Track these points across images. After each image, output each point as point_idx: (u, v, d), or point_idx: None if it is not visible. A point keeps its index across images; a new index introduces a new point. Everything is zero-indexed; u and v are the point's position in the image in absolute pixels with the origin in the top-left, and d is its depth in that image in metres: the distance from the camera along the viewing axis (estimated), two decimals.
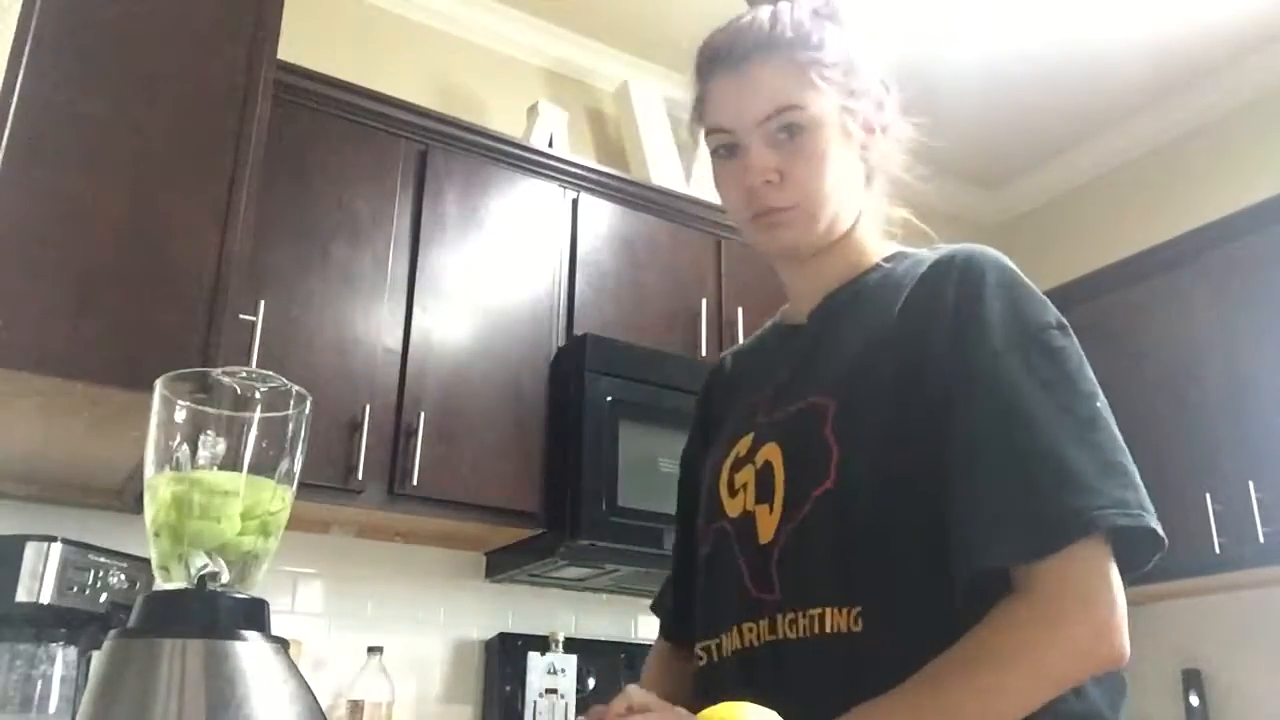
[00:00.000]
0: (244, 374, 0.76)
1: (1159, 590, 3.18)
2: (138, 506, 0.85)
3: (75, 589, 1.75)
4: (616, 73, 3.46)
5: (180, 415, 0.73)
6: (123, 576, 1.80)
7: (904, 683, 0.79)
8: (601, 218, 2.86)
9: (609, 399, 2.54)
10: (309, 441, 0.77)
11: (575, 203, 2.83)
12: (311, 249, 2.39)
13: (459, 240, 2.60)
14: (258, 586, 0.74)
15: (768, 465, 0.95)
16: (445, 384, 2.47)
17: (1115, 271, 3.34)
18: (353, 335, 2.39)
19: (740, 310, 2.91)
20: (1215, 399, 2.97)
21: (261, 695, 0.65)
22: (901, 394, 0.89)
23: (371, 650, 2.45)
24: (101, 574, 1.78)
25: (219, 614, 0.69)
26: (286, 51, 2.18)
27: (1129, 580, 0.85)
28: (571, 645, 2.65)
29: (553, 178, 2.82)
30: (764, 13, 1.01)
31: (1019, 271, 0.94)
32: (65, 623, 1.77)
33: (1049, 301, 0.92)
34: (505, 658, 2.65)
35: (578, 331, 2.66)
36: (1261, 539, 2.76)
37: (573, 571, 2.67)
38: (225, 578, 0.71)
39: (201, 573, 0.70)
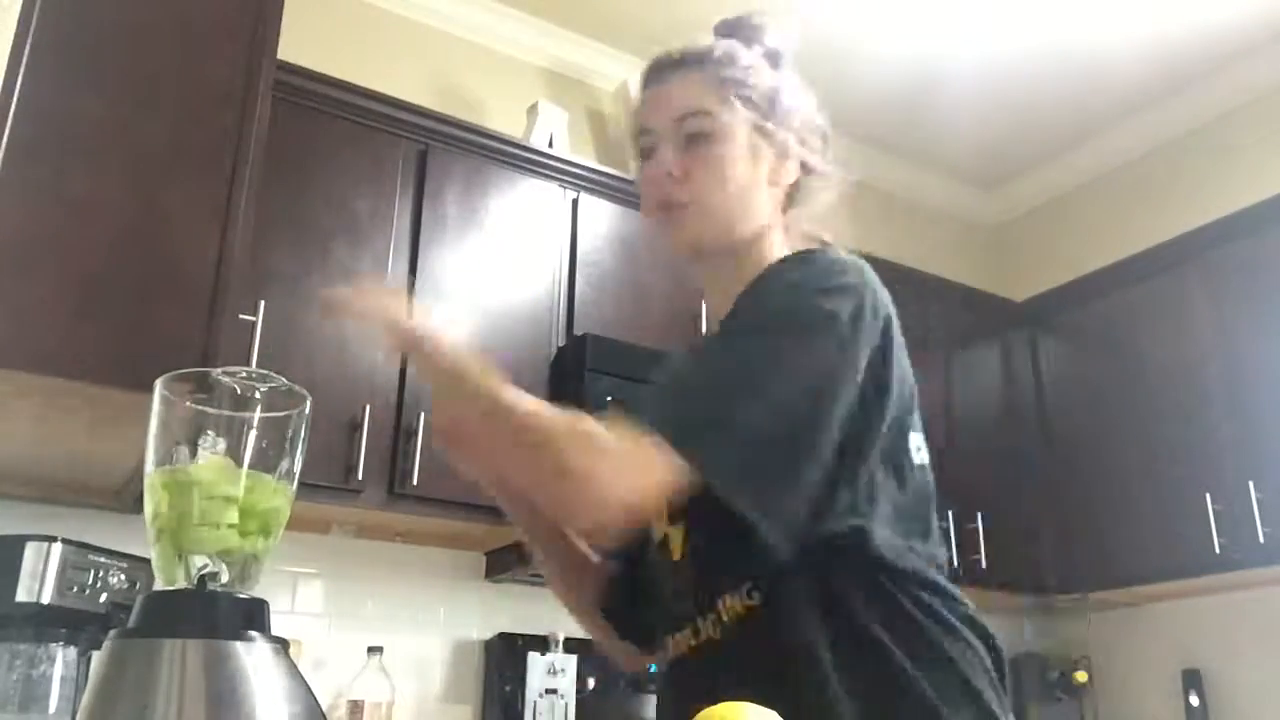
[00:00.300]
0: (244, 374, 0.76)
1: (1159, 590, 3.18)
2: (138, 506, 0.85)
3: (75, 589, 1.75)
4: (616, 73, 3.46)
5: (180, 415, 0.73)
6: (123, 576, 1.80)
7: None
8: (601, 218, 2.86)
9: (609, 399, 2.53)
10: (309, 441, 0.77)
11: (575, 203, 2.83)
12: (311, 249, 2.39)
13: (459, 240, 2.60)
14: (258, 586, 0.74)
15: None
16: None
17: (1115, 271, 3.34)
18: (353, 335, 2.39)
19: None
20: (1215, 399, 2.97)
21: (261, 695, 0.65)
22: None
23: (371, 650, 2.45)
24: (101, 574, 1.78)
25: (219, 614, 0.69)
26: (286, 51, 2.18)
27: None
28: (571, 645, 2.65)
29: (553, 178, 2.82)
30: (707, 40, 1.13)
31: (818, 253, 1.04)
32: (65, 623, 1.77)
33: (829, 280, 0.97)
34: (505, 658, 2.65)
35: (578, 331, 2.66)
36: (1261, 539, 2.77)
37: None
38: (225, 578, 0.71)
39: (201, 573, 0.70)
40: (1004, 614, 3.44)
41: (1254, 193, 3.09)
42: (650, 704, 2.74)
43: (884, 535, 0.93)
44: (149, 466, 0.73)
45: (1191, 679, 3.16)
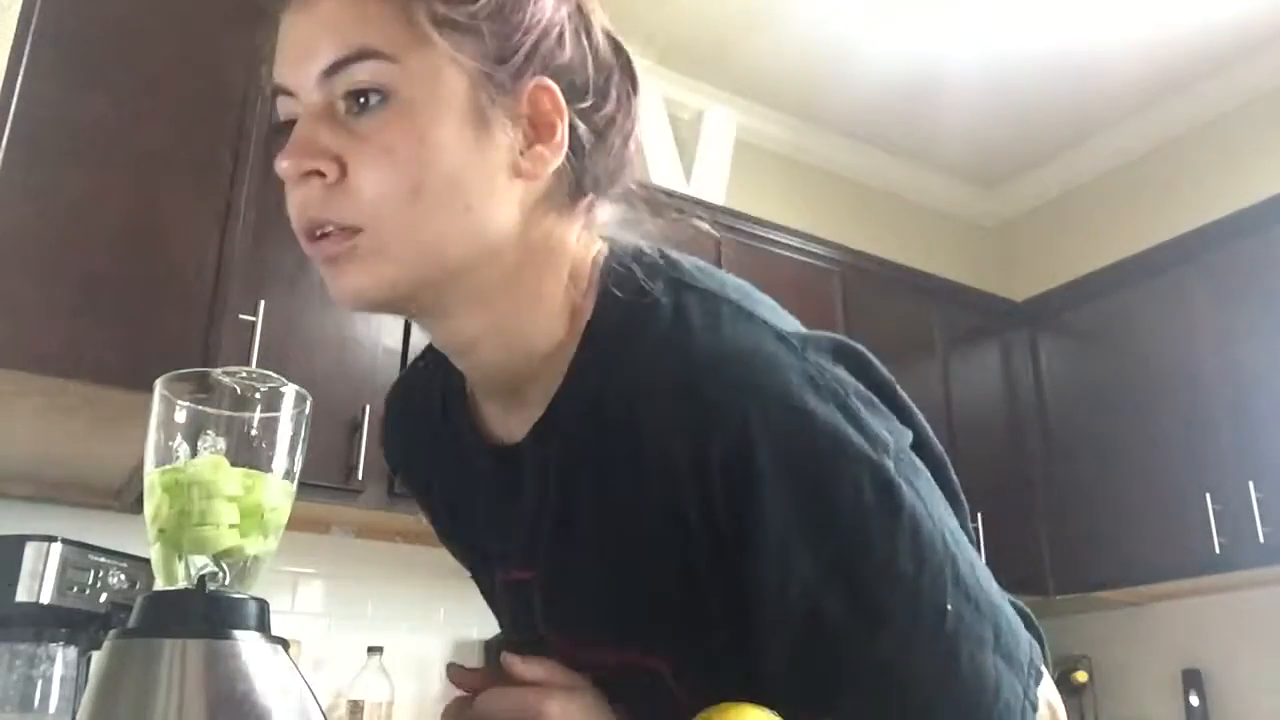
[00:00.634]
0: (244, 374, 0.75)
1: (1159, 590, 3.18)
2: (138, 506, 0.85)
3: (75, 589, 1.75)
4: None
5: (180, 415, 0.73)
6: (123, 576, 1.80)
7: None
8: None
9: None
10: (309, 441, 0.77)
11: None
12: None
13: None
14: (258, 586, 0.74)
15: None
16: None
17: (1115, 271, 3.34)
18: (353, 335, 2.39)
19: None
20: (1215, 399, 2.97)
21: (261, 695, 0.65)
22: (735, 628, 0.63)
23: (371, 650, 2.46)
24: (101, 574, 1.78)
25: (219, 614, 0.69)
26: None
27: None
28: None
29: None
30: None
31: (805, 399, 0.60)
32: (65, 623, 1.77)
33: (855, 442, 0.60)
34: None
35: None
36: (1261, 539, 2.77)
37: None
38: (225, 578, 0.71)
39: (201, 573, 0.70)
40: None
41: (1254, 193, 3.09)
42: None
43: None
44: (149, 466, 0.73)
45: (1191, 679, 3.16)
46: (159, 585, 0.72)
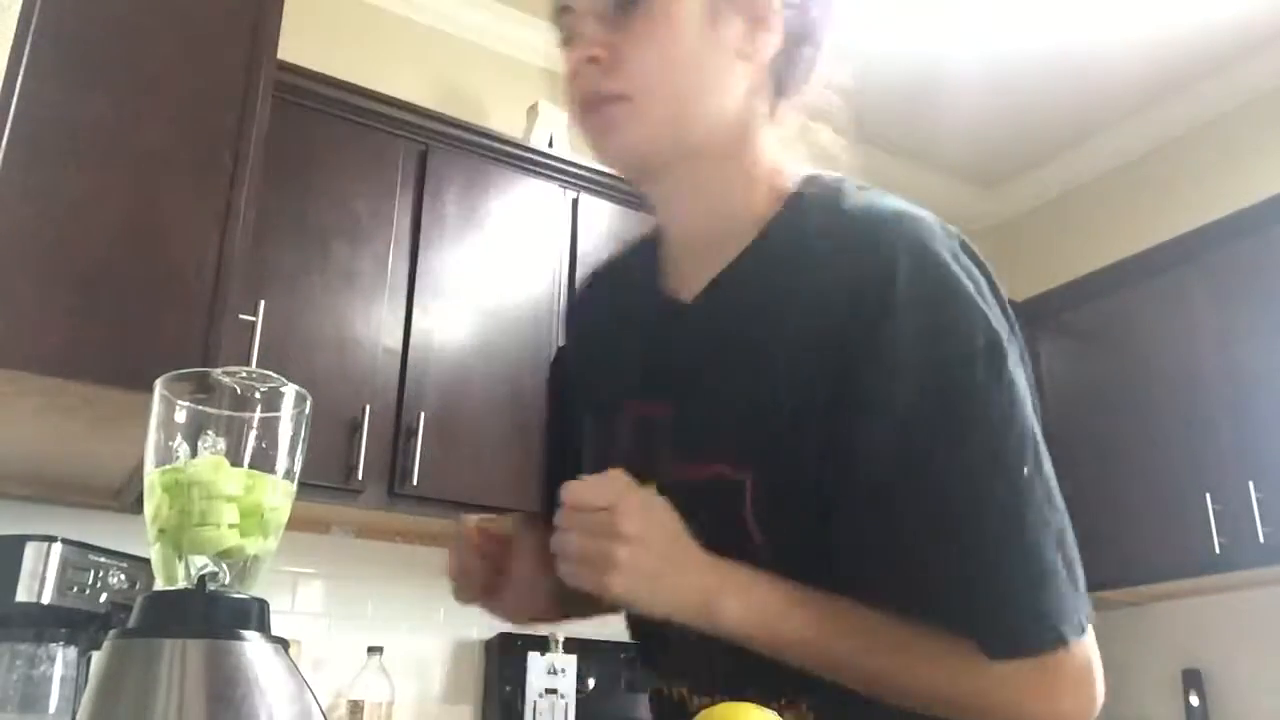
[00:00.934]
0: (244, 374, 0.75)
1: (1159, 590, 3.18)
2: (138, 506, 0.85)
3: (75, 589, 1.75)
4: None
5: (180, 415, 0.73)
6: (123, 576, 1.80)
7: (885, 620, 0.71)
8: (601, 218, 2.86)
9: None
10: (309, 441, 0.77)
11: (575, 203, 2.83)
12: (311, 249, 2.39)
13: (459, 240, 2.60)
14: (258, 586, 0.74)
15: None
16: (445, 384, 2.47)
17: (1115, 271, 3.34)
18: (353, 335, 2.39)
19: None
20: (1215, 399, 2.97)
21: (261, 695, 0.65)
22: (824, 464, 0.74)
23: (371, 650, 2.46)
24: (101, 574, 1.78)
25: (219, 614, 0.69)
26: (286, 51, 2.18)
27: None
28: (571, 645, 2.65)
29: (553, 178, 2.82)
30: None
31: (947, 259, 0.75)
32: (65, 623, 1.77)
33: (980, 307, 0.73)
34: (505, 658, 2.65)
35: None
36: (1261, 539, 2.77)
37: None
38: (225, 578, 0.71)
39: (201, 573, 0.70)
40: None
41: (1254, 193, 3.09)
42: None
43: None
44: (149, 466, 0.73)
45: (1191, 679, 3.16)
46: (159, 585, 0.72)
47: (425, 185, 2.60)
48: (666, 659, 0.88)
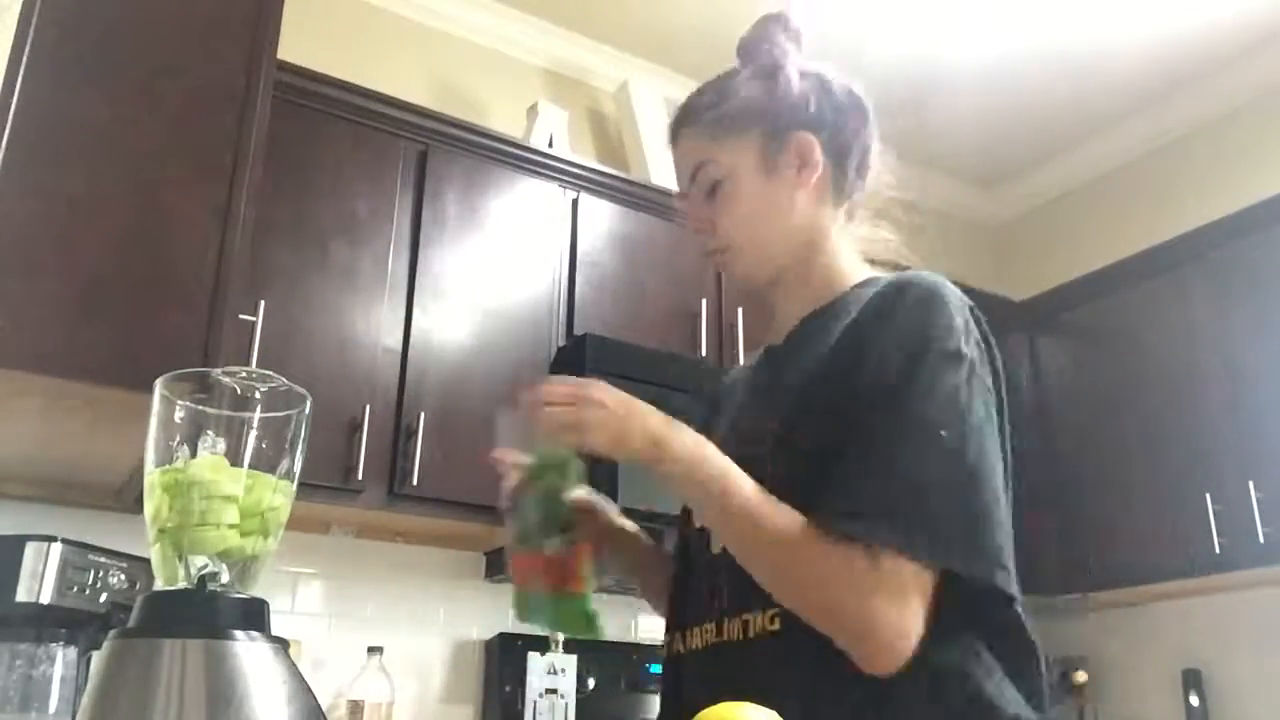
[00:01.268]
0: (244, 374, 0.76)
1: (1159, 590, 3.18)
2: (138, 506, 0.85)
3: (75, 589, 1.75)
4: (616, 73, 3.46)
5: (180, 415, 0.73)
6: (123, 576, 1.80)
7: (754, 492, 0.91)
8: (601, 218, 2.86)
9: None
10: (309, 441, 0.77)
11: (575, 203, 2.83)
12: (311, 249, 2.39)
13: (459, 240, 2.60)
14: (258, 586, 0.74)
15: None
16: (445, 384, 2.47)
17: (1115, 271, 3.34)
18: (353, 335, 2.39)
19: (740, 311, 2.91)
20: (1215, 399, 2.97)
21: (261, 695, 0.65)
22: (829, 422, 0.94)
23: (371, 650, 2.45)
24: (101, 574, 1.78)
25: (219, 614, 0.69)
26: (286, 51, 2.18)
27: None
28: (571, 645, 2.65)
29: (553, 178, 2.82)
30: (710, 83, 1.14)
31: (948, 297, 0.98)
32: (65, 623, 1.77)
33: (959, 329, 0.95)
34: (505, 658, 2.65)
35: (578, 331, 2.66)
36: (1261, 539, 2.77)
37: None
38: (225, 578, 0.71)
39: (202, 573, 0.70)
40: None
41: (1254, 193, 3.09)
42: (650, 704, 2.74)
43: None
44: (149, 466, 0.73)
45: (1191, 679, 3.16)
46: (159, 585, 0.72)
47: (425, 185, 2.60)
48: (683, 609, 1.09)
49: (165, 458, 0.72)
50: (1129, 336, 3.24)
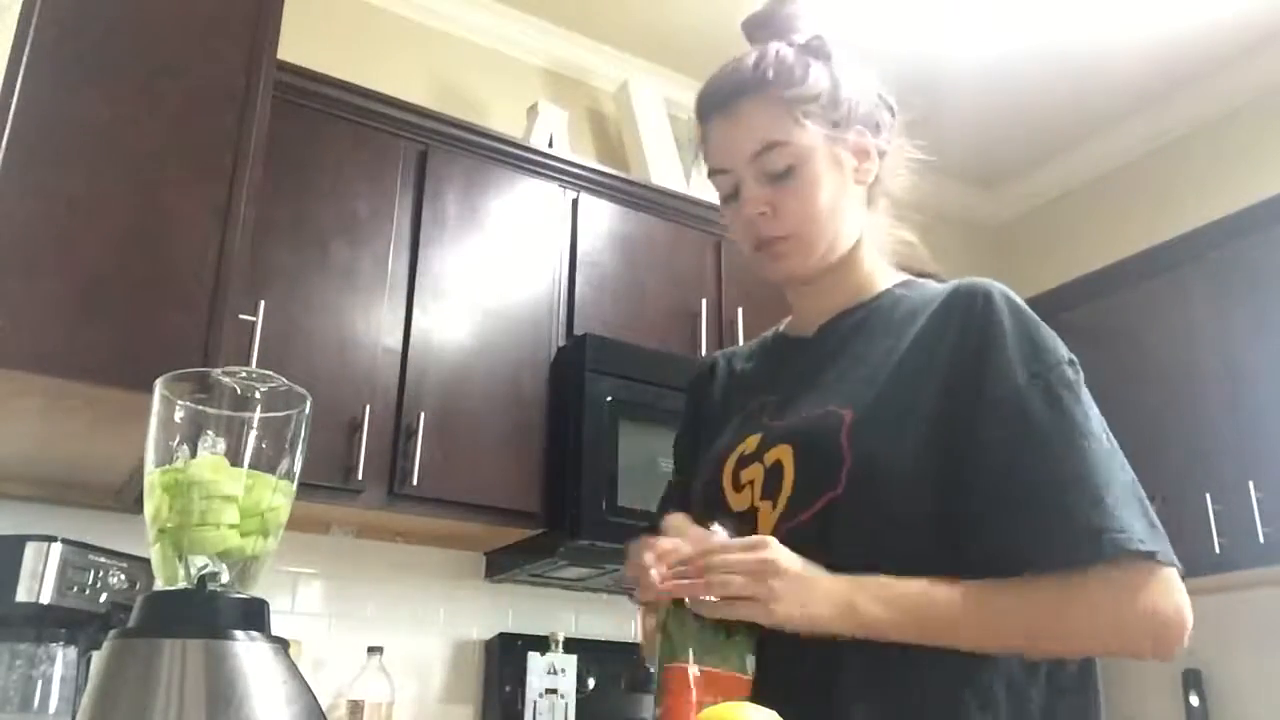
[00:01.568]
0: (244, 374, 0.76)
1: None
2: (138, 506, 0.85)
3: (75, 589, 1.75)
4: (616, 73, 3.46)
5: (180, 415, 0.73)
6: (123, 576, 1.80)
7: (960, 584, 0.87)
8: (601, 218, 2.86)
9: (609, 399, 2.54)
10: (309, 441, 0.77)
11: (575, 203, 2.83)
12: (311, 249, 2.39)
13: (459, 240, 2.60)
14: (258, 586, 0.74)
15: (777, 464, 0.99)
16: (445, 384, 2.47)
17: (1115, 272, 3.34)
18: (353, 335, 2.39)
19: (740, 310, 2.91)
20: (1215, 399, 2.97)
21: (261, 695, 0.65)
22: (915, 415, 0.93)
23: (371, 650, 2.45)
24: (101, 574, 1.78)
25: (219, 614, 0.69)
26: (286, 51, 2.18)
27: None
28: (571, 645, 2.65)
29: (553, 178, 2.82)
30: (751, 55, 1.06)
31: (1020, 302, 1.01)
32: (65, 623, 1.77)
33: (1059, 338, 1.00)
34: (505, 658, 2.65)
35: (578, 331, 2.66)
36: (1261, 539, 2.76)
37: (573, 571, 2.67)
38: (225, 578, 0.71)
39: (201, 573, 0.70)
40: None
41: (1254, 193, 3.09)
42: (650, 704, 2.74)
43: None
44: (149, 466, 0.73)
45: (1191, 679, 3.16)
46: (159, 585, 0.72)
47: (425, 185, 2.60)
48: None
49: (165, 458, 0.72)
50: (1129, 336, 3.24)
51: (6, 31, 1.77)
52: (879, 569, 0.89)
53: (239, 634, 0.67)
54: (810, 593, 0.86)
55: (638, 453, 2.53)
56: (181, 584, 0.70)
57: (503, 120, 3.06)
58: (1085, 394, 0.95)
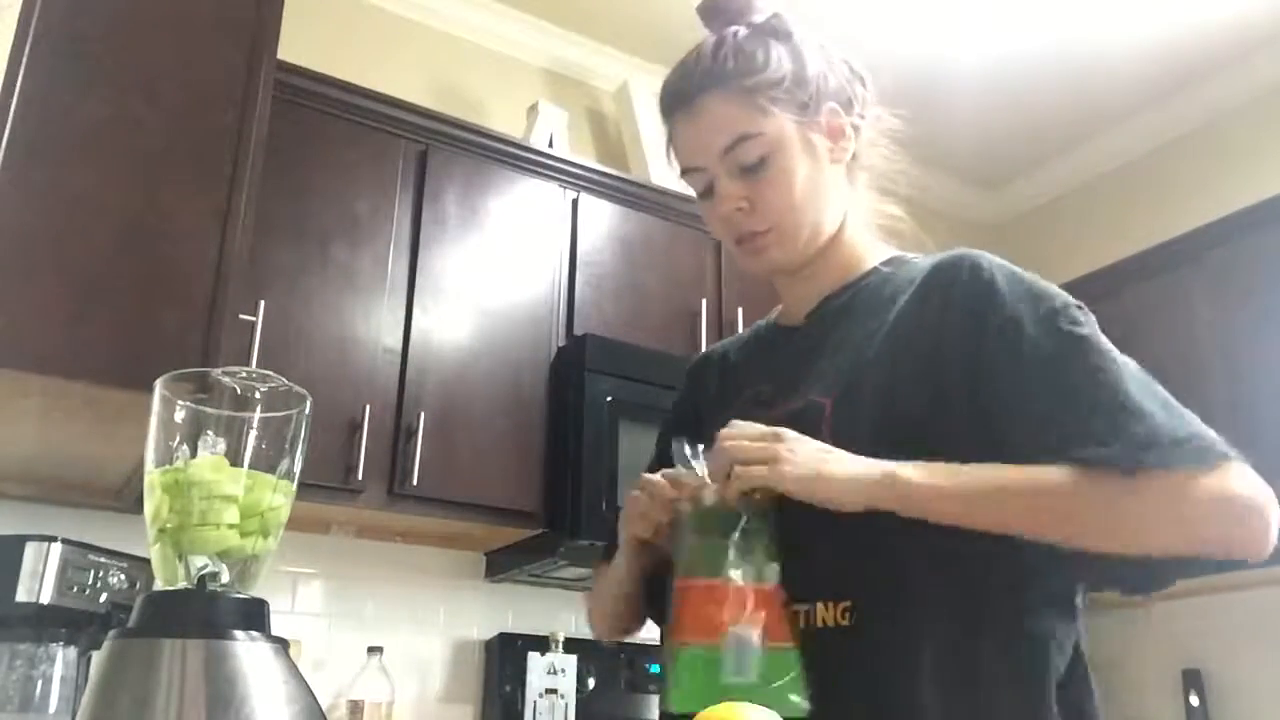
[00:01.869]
0: (244, 374, 0.76)
1: (1159, 590, 3.18)
2: (138, 506, 0.85)
3: (75, 589, 1.75)
4: (616, 73, 3.46)
5: (180, 415, 0.73)
6: (123, 576, 1.80)
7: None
8: (601, 218, 2.86)
9: (609, 399, 2.54)
10: (309, 441, 0.77)
11: (575, 203, 2.83)
12: (311, 249, 2.39)
13: (459, 240, 2.60)
14: (258, 586, 0.74)
15: None
16: (445, 384, 2.47)
17: (1115, 271, 3.34)
18: (353, 335, 2.39)
19: (740, 310, 2.91)
20: (1215, 399, 2.97)
21: (261, 695, 0.65)
22: (900, 392, 0.91)
23: (371, 650, 2.45)
24: (101, 574, 1.78)
25: (219, 614, 0.69)
26: (286, 51, 2.18)
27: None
28: (571, 645, 2.65)
29: (553, 178, 2.82)
30: (707, 45, 1.03)
31: (1016, 266, 0.97)
32: (65, 623, 1.77)
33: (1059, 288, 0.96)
34: (505, 658, 2.65)
35: (578, 331, 2.66)
36: None
37: (573, 571, 2.67)
38: (225, 578, 0.71)
39: (201, 573, 0.70)
40: None
41: (1254, 193, 3.09)
42: (650, 704, 2.74)
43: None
44: (149, 466, 0.73)
45: (1191, 679, 3.16)
46: (159, 585, 0.72)
47: (425, 185, 2.60)
48: None
49: (165, 458, 0.72)
50: (1129, 337, 3.19)
51: (6, 31, 1.77)
52: (875, 549, 0.87)
53: (239, 634, 0.67)
54: (826, 458, 0.85)
55: (638, 453, 2.52)
56: (181, 584, 0.70)
57: (503, 120, 3.06)
58: (1098, 335, 0.92)
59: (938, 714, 0.83)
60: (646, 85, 3.42)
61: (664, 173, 3.20)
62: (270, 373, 0.76)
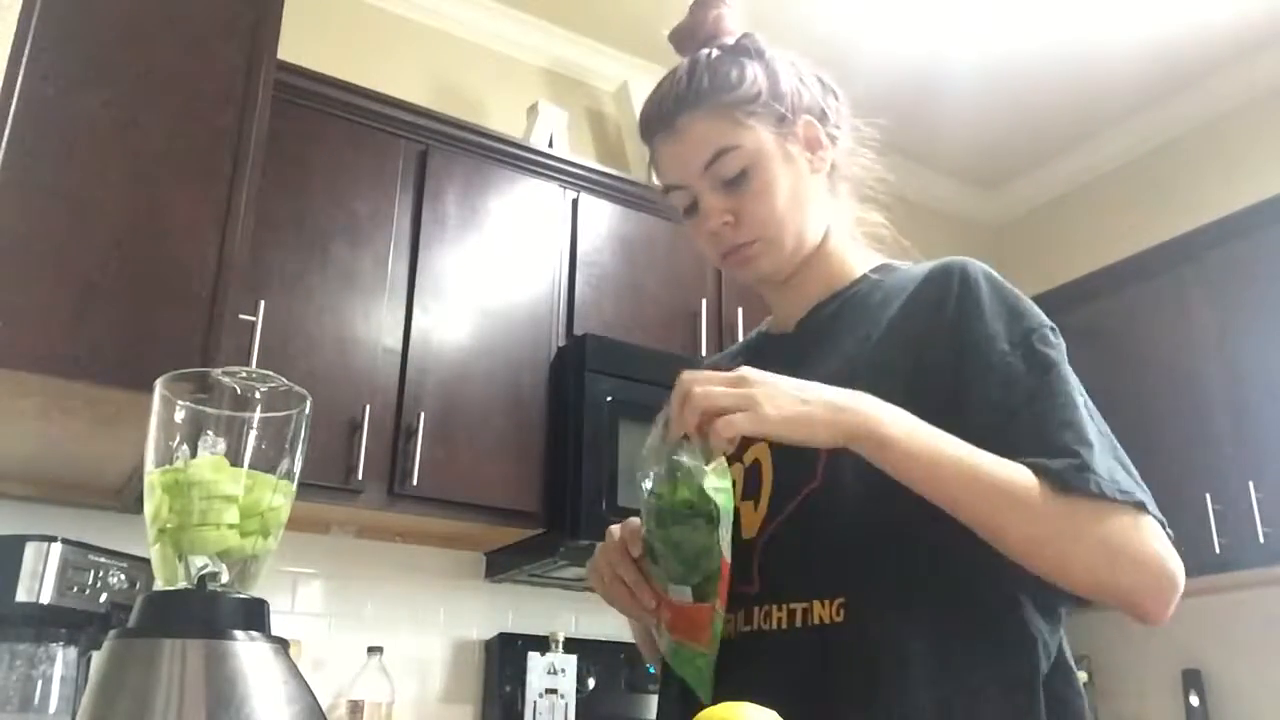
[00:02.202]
0: (244, 374, 0.75)
1: None
2: (138, 506, 0.85)
3: (75, 589, 1.75)
4: (616, 73, 3.46)
5: (180, 415, 0.73)
6: (123, 576, 1.80)
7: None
8: (601, 218, 2.86)
9: (609, 399, 2.54)
10: (309, 441, 0.77)
11: (575, 203, 2.83)
12: (311, 249, 2.39)
13: (459, 240, 2.60)
14: (258, 586, 0.73)
15: (756, 464, 0.99)
16: (445, 384, 2.47)
17: (1115, 271, 3.34)
18: (353, 335, 2.39)
19: (740, 310, 2.92)
20: (1215, 399, 2.97)
21: (261, 695, 0.65)
22: (891, 399, 0.90)
23: (371, 650, 2.46)
24: (101, 574, 1.78)
25: (219, 614, 0.69)
26: (286, 51, 2.18)
27: None
28: (571, 645, 2.65)
29: (553, 178, 2.82)
30: (682, 68, 1.05)
31: (1005, 281, 1.02)
32: (65, 623, 1.77)
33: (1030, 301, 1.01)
34: (505, 658, 2.65)
35: (578, 331, 2.66)
36: (1261, 539, 2.77)
37: (573, 571, 2.67)
38: (225, 578, 0.71)
39: (201, 573, 0.70)
40: None
41: (1254, 193, 3.09)
42: (650, 704, 2.74)
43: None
44: (149, 466, 0.73)
45: (1191, 679, 3.16)
46: (159, 585, 0.72)
47: (425, 185, 2.60)
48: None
49: (165, 458, 0.72)
50: (1129, 336, 3.24)
51: (6, 31, 1.77)
52: (869, 547, 0.89)
53: (239, 634, 0.67)
54: (805, 396, 0.84)
55: (637, 453, 2.52)
56: (181, 584, 0.70)
57: (503, 120, 3.06)
58: (1065, 364, 0.96)
59: (929, 709, 0.85)
60: (646, 85, 3.40)
61: None
62: (270, 373, 0.76)
